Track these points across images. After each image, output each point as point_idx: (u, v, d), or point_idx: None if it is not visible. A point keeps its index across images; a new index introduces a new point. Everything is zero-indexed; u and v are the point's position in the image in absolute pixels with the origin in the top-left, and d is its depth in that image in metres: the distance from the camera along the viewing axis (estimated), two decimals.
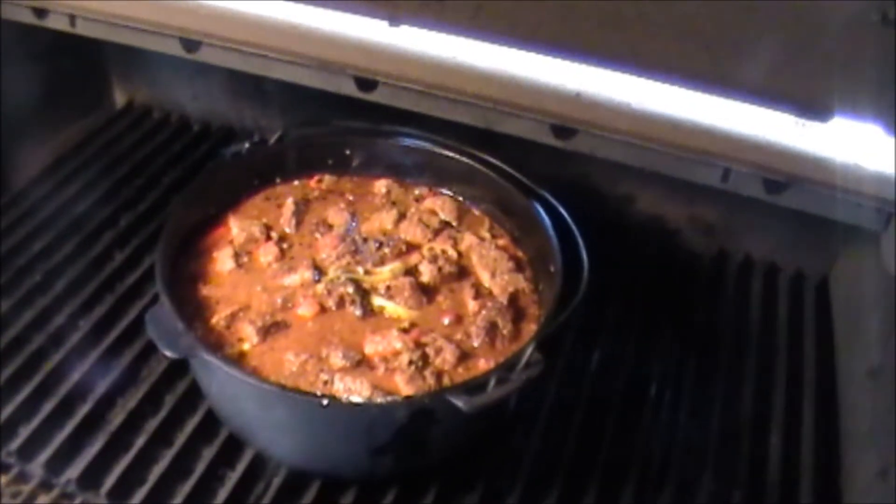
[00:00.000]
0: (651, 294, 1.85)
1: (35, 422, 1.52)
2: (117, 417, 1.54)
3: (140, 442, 1.50)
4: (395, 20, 1.42)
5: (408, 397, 1.31)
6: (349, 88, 1.48)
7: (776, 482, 1.53)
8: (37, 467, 1.47)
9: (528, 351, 1.28)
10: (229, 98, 2.18)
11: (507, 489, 1.48)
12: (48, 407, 1.54)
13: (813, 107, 1.29)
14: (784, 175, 1.34)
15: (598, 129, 1.36)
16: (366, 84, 1.46)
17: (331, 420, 1.32)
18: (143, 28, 1.58)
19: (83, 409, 1.55)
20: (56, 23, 1.65)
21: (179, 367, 1.58)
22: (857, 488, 1.48)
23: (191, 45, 1.56)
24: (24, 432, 1.51)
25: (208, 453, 1.50)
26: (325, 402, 1.26)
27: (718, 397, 1.65)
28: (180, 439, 1.51)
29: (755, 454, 1.57)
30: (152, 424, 1.53)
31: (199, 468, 1.47)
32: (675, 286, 1.90)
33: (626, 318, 1.78)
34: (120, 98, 2.34)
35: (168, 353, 1.28)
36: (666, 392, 1.65)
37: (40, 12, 1.65)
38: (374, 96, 1.45)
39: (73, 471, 1.46)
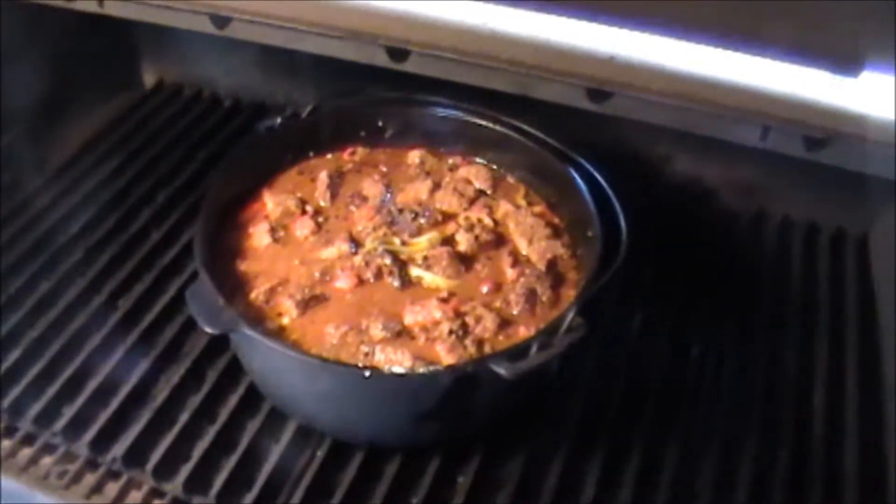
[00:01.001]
0: (689, 255, 1.83)
1: (79, 401, 1.53)
2: (160, 394, 1.54)
3: (184, 418, 1.51)
4: None
5: (450, 366, 1.30)
6: (381, 59, 1.46)
7: (820, 439, 1.51)
8: (82, 447, 1.48)
9: (570, 315, 1.27)
10: (260, 73, 2.17)
11: (551, 454, 1.47)
12: (91, 385, 1.55)
13: (842, 61, 1.26)
14: (823, 131, 1.32)
15: (634, 90, 1.34)
16: (398, 54, 1.45)
17: (373, 391, 1.32)
18: (172, 6, 1.57)
19: (126, 388, 1.55)
20: (84, 5, 1.65)
21: (220, 343, 1.58)
22: None
23: (220, 21, 1.56)
24: (69, 412, 1.52)
25: (252, 427, 1.50)
26: (367, 373, 1.27)
27: (760, 357, 1.63)
28: (223, 414, 1.51)
29: (799, 413, 1.55)
30: (195, 400, 1.54)
31: (244, 442, 1.47)
32: (714, 247, 1.88)
33: (665, 280, 1.77)
34: (149, 78, 2.34)
35: (209, 329, 1.28)
36: (707, 353, 1.64)
37: None
38: (406, 66, 1.44)
39: (119, 449, 1.46)
